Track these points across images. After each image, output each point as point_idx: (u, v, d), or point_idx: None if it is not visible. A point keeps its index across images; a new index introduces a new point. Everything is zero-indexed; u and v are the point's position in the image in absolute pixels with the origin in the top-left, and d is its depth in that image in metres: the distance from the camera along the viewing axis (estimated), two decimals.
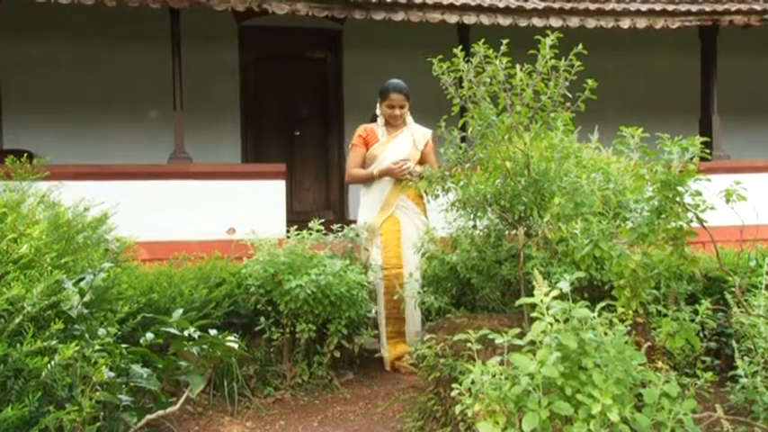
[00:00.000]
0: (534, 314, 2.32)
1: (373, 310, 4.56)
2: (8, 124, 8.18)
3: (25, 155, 4.36)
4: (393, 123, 4.79)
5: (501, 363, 2.35)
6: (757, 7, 8.09)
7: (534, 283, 2.41)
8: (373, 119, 4.89)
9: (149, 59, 8.05)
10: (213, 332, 3.48)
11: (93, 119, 8.21)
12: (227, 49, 8.73)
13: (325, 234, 4.50)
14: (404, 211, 4.70)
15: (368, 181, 4.78)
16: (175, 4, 6.70)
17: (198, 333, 3.40)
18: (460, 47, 3.58)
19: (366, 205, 4.82)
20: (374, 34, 8.19)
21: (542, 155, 3.56)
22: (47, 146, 7.24)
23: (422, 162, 4.77)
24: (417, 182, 4.26)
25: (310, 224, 4.47)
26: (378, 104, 4.80)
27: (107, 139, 8.11)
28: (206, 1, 6.72)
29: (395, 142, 4.79)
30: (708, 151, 2.54)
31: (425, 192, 4.14)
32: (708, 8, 8.00)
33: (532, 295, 2.35)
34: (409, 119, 4.86)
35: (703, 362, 3.32)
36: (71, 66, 8.19)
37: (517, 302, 2.56)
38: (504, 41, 3.38)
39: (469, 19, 7.42)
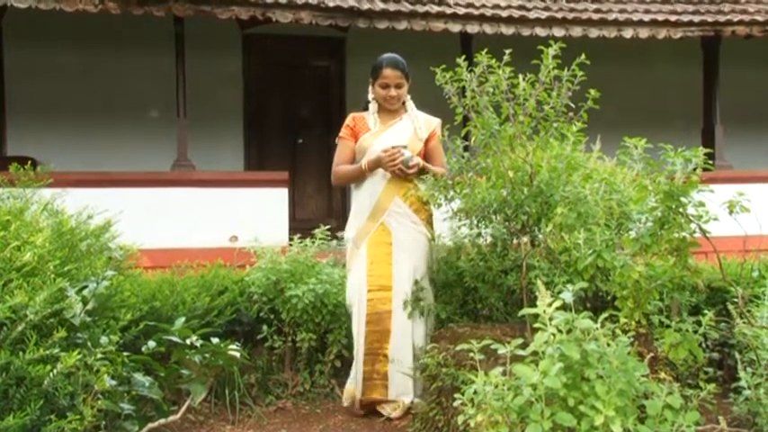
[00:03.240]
0: (537, 324, 2.31)
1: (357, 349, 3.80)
2: (12, 131, 8.21)
3: (29, 162, 4.37)
4: (389, 108, 3.91)
5: (504, 373, 2.35)
6: (759, 18, 8.11)
7: (537, 293, 2.41)
8: (366, 107, 4.02)
9: (153, 66, 8.09)
10: (215, 340, 3.48)
11: (97, 126, 8.24)
12: (231, 56, 8.77)
13: (327, 242, 4.50)
14: (397, 219, 3.82)
15: (357, 179, 3.88)
16: (180, 12, 6.74)
17: (200, 341, 3.40)
18: (464, 56, 3.59)
19: (355, 212, 3.95)
20: (377, 43, 8.20)
21: (546, 164, 3.56)
22: (50, 152, 7.26)
23: (426, 158, 3.93)
24: (415, 176, 3.73)
25: (313, 232, 4.47)
26: (370, 88, 3.96)
27: (110, 146, 8.14)
28: (210, 9, 6.76)
29: (390, 132, 3.88)
30: (710, 162, 2.54)
31: (429, 200, 4.08)
32: (710, 19, 8.03)
33: (535, 305, 2.35)
34: (410, 104, 3.99)
35: (706, 373, 3.31)
36: (75, 72, 8.22)
37: (520, 313, 2.56)
38: (507, 51, 3.39)
39: (472, 28, 7.46)
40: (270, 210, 6.87)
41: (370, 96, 3.94)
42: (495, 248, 3.97)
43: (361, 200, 3.87)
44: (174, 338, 3.36)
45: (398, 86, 3.86)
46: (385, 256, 3.78)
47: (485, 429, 2.21)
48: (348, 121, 3.99)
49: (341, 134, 3.98)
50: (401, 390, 3.74)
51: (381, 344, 3.73)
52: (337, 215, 9.25)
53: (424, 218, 3.89)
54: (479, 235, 4.00)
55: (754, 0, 8.51)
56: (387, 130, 3.90)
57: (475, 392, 2.31)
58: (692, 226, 2.44)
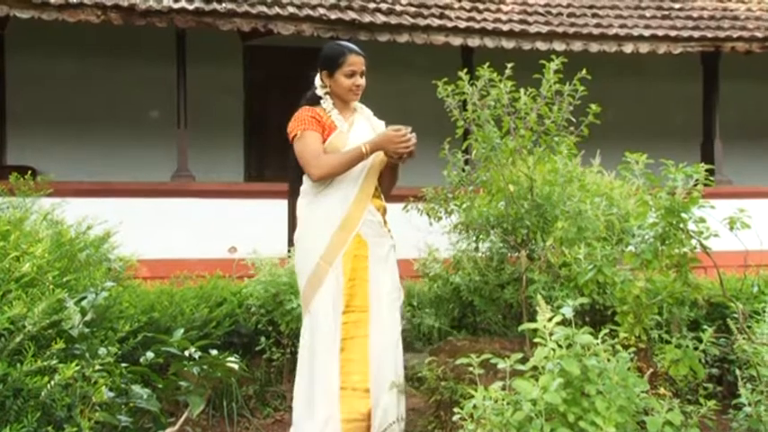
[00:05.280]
0: (537, 339, 2.31)
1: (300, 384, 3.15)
2: (12, 140, 8.22)
3: (29, 171, 4.37)
4: (351, 100, 3.34)
5: (503, 388, 2.34)
6: (759, 34, 8.16)
7: (537, 307, 2.41)
8: (313, 100, 3.35)
9: (154, 77, 8.10)
10: (214, 352, 3.46)
11: (97, 135, 8.25)
12: (232, 67, 8.78)
13: None
14: (372, 228, 3.25)
15: (353, 165, 3.20)
16: (182, 24, 6.76)
17: (198, 353, 3.38)
18: (465, 70, 3.61)
19: (313, 224, 3.26)
20: (378, 56, 8.24)
21: (546, 178, 3.57)
22: (50, 162, 7.28)
23: None
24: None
25: None
26: (320, 81, 3.33)
27: (111, 156, 8.14)
28: (212, 21, 6.78)
29: (355, 131, 3.30)
30: (711, 178, 2.54)
31: (428, 214, 4.07)
32: (710, 34, 8.07)
33: (534, 319, 2.35)
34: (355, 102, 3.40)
35: (705, 388, 3.30)
36: (76, 82, 8.24)
37: (520, 328, 2.55)
38: (509, 65, 3.40)
39: (473, 42, 7.48)
40: (269, 221, 6.87)
41: (322, 91, 3.32)
42: (491, 262, 3.97)
43: (329, 206, 3.24)
44: (173, 350, 3.34)
45: (362, 75, 3.32)
46: (362, 272, 3.21)
47: None
48: (309, 113, 3.31)
49: (305, 126, 3.28)
50: (384, 425, 3.13)
51: (361, 376, 3.11)
52: None
53: (388, 228, 3.36)
54: (477, 249, 4.00)
55: (754, 17, 8.55)
56: (352, 128, 3.32)
57: (474, 407, 2.30)
58: (693, 242, 2.44)
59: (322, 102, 3.31)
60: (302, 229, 3.31)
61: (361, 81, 3.30)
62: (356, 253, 3.21)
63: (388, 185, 3.36)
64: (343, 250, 3.19)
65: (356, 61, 3.27)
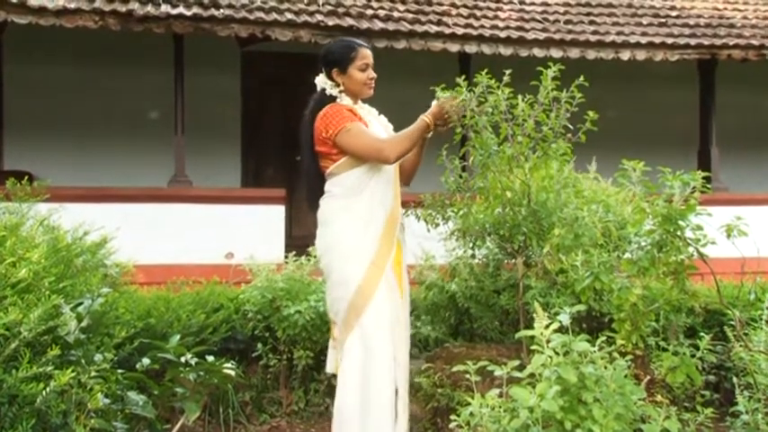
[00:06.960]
0: (534, 346, 2.30)
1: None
2: (9, 145, 8.21)
3: (26, 177, 4.37)
4: (366, 95, 3.22)
5: (500, 395, 2.34)
6: (755, 42, 8.19)
7: (534, 314, 2.40)
8: (326, 101, 3.14)
9: (151, 83, 8.10)
10: (210, 358, 3.45)
11: (95, 141, 8.24)
12: (230, 73, 8.79)
13: None
14: (402, 232, 3.20)
15: (421, 138, 3.13)
16: (179, 29, 6.77)
17: (194, 359, 3.37)
18: (463, 76, 3.61)
19: (352, 226, 3.04)
20: (376, 62, 8.26)
21: (542, 185, 3.57)
22: (47, 167, 7.27)
23: None
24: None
25: (310, 249, 4.45)
26: (332, 79, 3.16)
27: (108, 162, 8.14)
28: (210, 26, 6.79)
29: (373, 127, 3.19)
30: (708, 186, 2.54)
31: (426, 220, 4.04)
32: (706, 42, 8.10)
33: (531, 326, 2.34)
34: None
35: (702, 396, 3.30)
36: (73, 88, 8.23)
37: (517, 335, 2.55)
38: (507, 72, 3.40)
39: (471, 48, 7.50)
40: (267, 227, 6.87)
41: (336, 90, 3.15)
42: (487, 269, 3.97)
43: (369, 208, 3.05)
44: (169, 356, 3.33)
45: (373, 68, 3.24)
46: (400, 278, 3.09)
47: None
48: (344, 108, 3.12)
49: (348, 118, 3.05)
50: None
51: (399, 382, 3.03)
52: None
53: None
54: (474, 256, 4.00)
55: (750, 24, 8.59)
56: (370, 124, 3.21)
57: (471, 414, 2.30)
58: (690, 249, 2.44)
59: (339, 100, 3.15)
60: (338, 232, 3.05)
61: (373, 74, 3.21)
62: (398, 259, 3.08)
63: (413, 171, 3.31)
64: (392, 255, 3.04)
65: (367, 54, 3.20)
